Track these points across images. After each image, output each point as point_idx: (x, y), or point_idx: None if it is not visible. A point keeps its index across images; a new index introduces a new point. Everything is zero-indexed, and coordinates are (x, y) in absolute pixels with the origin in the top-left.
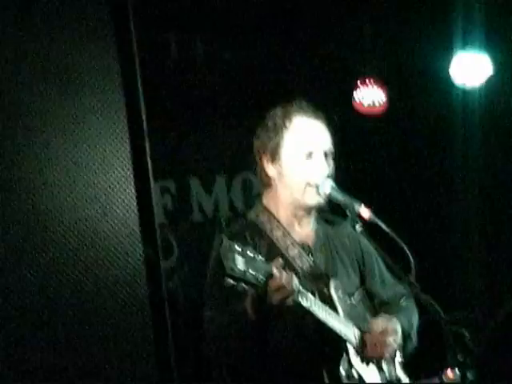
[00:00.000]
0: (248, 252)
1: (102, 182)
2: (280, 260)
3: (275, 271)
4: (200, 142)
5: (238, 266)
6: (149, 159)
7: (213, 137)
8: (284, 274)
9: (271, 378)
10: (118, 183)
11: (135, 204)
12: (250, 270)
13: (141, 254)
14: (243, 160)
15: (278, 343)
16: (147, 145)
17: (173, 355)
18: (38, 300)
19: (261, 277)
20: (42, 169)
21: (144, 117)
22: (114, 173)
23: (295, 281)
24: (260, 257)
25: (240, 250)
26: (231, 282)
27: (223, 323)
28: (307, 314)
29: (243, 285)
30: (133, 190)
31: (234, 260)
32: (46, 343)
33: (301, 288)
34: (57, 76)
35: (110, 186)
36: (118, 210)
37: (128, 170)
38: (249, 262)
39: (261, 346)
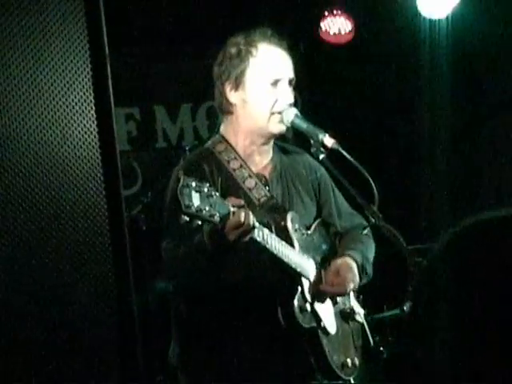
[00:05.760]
0: (205, 189)
1: (62, 105)
2: (240, 200)
3: (232, 209)
4: (165, 70)
5: (194, 203)
6: (109, 82)
7: (179, 64)
8: (242, 212)
9: (225, 312)
10: (79, 107)
11: (96, 128)
12: (206, 207)
13: (101, 178)
14: (209, 88)
15: (233, 278)
16: (108, 68)
17: (131, 281)
18: None
19: (217, 214)
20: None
21: (105, 39)
22: (74, 96)
23: (252, 218)
24: (217, 193)
25: (195, 185)
26: (186, 218)
27: (179, 256)
28: (262, 249)
29: (198, 222)
30: (93, 114)
31: (190, 197)
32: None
33: (257, 224)
34: None
35: (70, 110)
36: (78, 134)
37: (89, 93)
38: (204, 198)
39: (215, 279)
